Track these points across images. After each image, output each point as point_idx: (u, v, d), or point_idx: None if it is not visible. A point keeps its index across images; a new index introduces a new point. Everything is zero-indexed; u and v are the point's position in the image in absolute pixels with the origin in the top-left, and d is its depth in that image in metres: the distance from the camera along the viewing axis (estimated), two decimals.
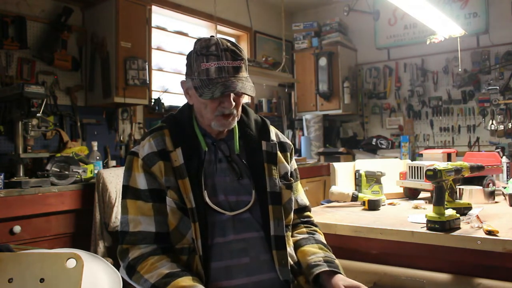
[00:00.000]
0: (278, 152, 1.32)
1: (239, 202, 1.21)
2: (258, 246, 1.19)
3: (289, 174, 1.33)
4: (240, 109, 1.26)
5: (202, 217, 1.15)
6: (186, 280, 1.07)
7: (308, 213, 1.42)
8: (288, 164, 1.35)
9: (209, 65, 1.15)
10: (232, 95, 1.18)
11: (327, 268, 1.18)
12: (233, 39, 3.20)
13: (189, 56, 1.22)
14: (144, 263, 1.13)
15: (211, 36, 1.21)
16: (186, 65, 1.23)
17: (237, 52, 1.18)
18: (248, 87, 1.17)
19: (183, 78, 1.28)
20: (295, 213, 1.35)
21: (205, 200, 1.17)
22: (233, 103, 1.19)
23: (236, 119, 1.25)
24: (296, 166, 1.41)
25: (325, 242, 1.34)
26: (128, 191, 1.21)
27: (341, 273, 1.19)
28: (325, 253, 1.26)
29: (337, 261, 1.24)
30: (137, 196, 1.19)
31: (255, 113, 1.38)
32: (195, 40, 1.24)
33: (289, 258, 1.20)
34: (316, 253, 1.24)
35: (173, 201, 1.16)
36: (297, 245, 1.30)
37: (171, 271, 1.09)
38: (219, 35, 1.15)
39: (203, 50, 1.16)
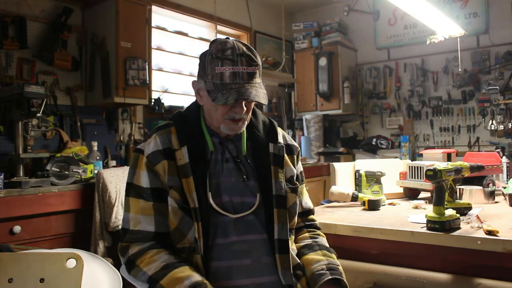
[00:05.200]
0: (285, 155, 1.31)
1: (244, 204, 1.21)
2: (260, 249, 1.18)
3: (295, 178, 1.32)
4: (250, 113, 1.25)
5: (205, 217, 1.15)
6: (184, 270, 1.07)
7: (312, 216, 1.42)
8: (295, 167, 1.34)
9: (223, 70, 1.13)
10: None
11: (330, 277, 1.17)
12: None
13: (203, 57, 1.20)
14: (143, 256, 1.14)
15: (226, 38, 1.19)
16: (199, 65, 1.22)
17: (253, 58, 1.16)
18: (262, 94, 1.16)
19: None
20: (299, 217, 1.34)
21: (209, 201, 1.17)
22: (245, 109, 1.18)
23: (246, 123, 1.25)
24: (302, 169, 1.41)
25: (328, 245, 1.33)
26: (131, 188, 1.21)
27: (343, 280, 1.19)
28: (328, 259, 1.25)
29: (340, 267, 1.24)
30: (139, 194, 1.19)
31: (262, 114, 1.37)
32: (211, 41, 1.22)
33: (291, 262, 1.20)
34: (319, 261, 1.23)
35: (175, 201, 1.16)
36: (300, 253, 1.29)
37: (168, 263, 1.10)
38: (221, 36, 1.14)
39: (219, 53, 1.14)
